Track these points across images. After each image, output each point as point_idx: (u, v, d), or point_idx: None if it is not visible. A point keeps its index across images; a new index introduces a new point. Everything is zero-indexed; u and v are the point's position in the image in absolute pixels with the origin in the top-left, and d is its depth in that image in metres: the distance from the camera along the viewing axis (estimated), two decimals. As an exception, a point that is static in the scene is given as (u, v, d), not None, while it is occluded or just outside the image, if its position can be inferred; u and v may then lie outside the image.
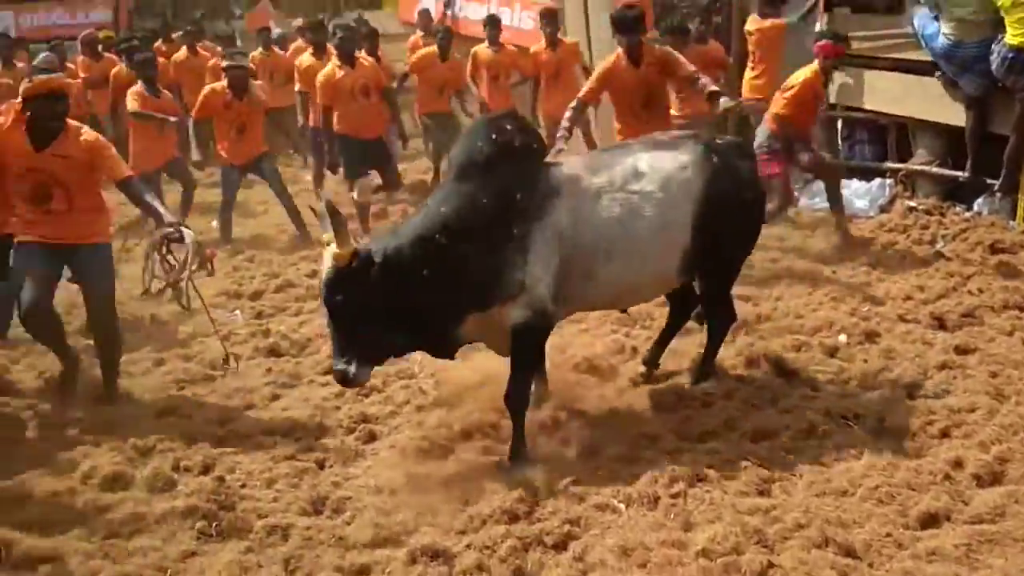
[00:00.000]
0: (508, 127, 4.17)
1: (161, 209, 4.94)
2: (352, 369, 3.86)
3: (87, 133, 4.82)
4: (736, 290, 6.18)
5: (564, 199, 4.18)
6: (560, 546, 3.45)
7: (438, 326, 4.06)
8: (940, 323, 5.72)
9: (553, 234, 4.12)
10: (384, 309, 3.85)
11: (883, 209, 8.32)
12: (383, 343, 4.00)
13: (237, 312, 6.65)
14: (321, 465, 4.27)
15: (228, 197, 8.47)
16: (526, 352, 4.20)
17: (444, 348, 4.22)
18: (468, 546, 3.40)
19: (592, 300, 4.50)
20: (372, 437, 4.53)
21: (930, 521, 3.55)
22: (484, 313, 4.06)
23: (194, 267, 4.86)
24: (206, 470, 4.14)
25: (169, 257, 5.06)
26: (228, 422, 4.74)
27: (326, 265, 3.87)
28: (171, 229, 4.80)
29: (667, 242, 4.37)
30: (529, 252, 4.06)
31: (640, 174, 4.35)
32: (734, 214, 4.53)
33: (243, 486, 3.98)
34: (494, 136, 4.10)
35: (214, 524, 3.59)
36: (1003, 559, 3.20)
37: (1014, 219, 7.32)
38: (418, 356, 5.46)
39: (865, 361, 5.18)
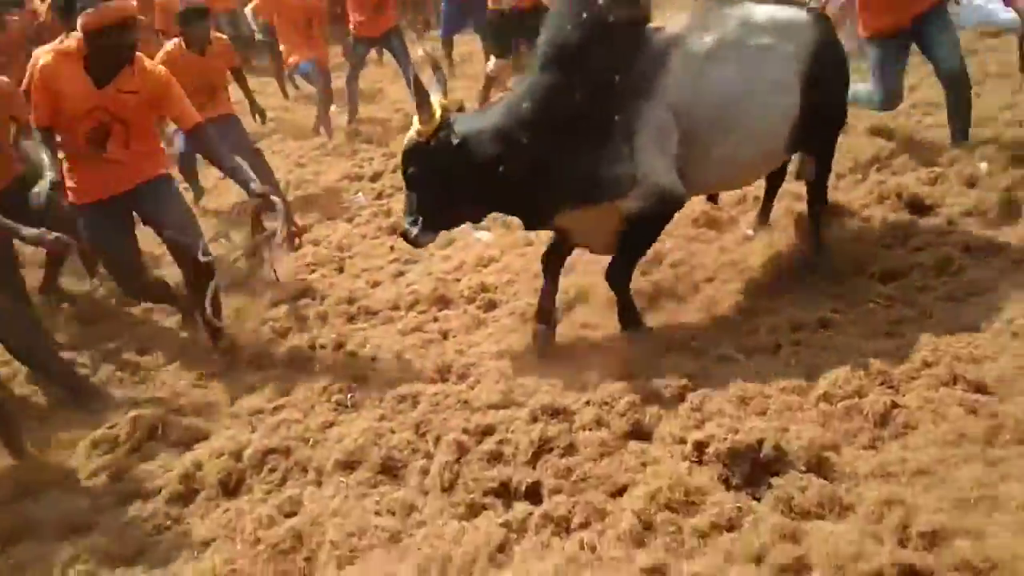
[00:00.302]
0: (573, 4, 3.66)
1: (248, 172, 4.34)
2: (415, 231, 3.84)
3: (154, 67, 4.31)
4: (867, 123, 5.89)
5: (673, 68, 3.73)
6: (678, 398, 3.48)
7: (525, 216, 3.93)
8: (1090, 138, 5.24)
9: (665, 111, 3.71)
10: (457, 188, 3.73)
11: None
12: (453, 215, 3.93)
13: (360, 194, 6.84)
14: (445, 335, 4.44)
15: (355, 69, 8.61)
16: (641, 240, 3.94)
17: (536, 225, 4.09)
18: (587, 403, 3.47)
19: (704, 182, 4.06)
20: (492, 306, 4.65)
21: (1071, 352, 3.37)
22: (589, 208, 3.76)
23: (280, 241, 4.47)
24: (339, 347, 4.38)
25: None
26: (357, 300, 4.96)
27: (408, 133, 3.79)
28: (260, 199, 4.29)
29: (782, 107, 3.94)
30: (638, 138, 3.67)
31: (756, 26, 3.92)
32: (837, 82, 4.23)
33: (374, 359, 4.20)
34: (583, 14, 3.64)
35: (349, 396, 3.83)
36: None
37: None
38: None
39: (1007, 189, 4.83)
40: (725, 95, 3.80)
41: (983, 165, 5.12)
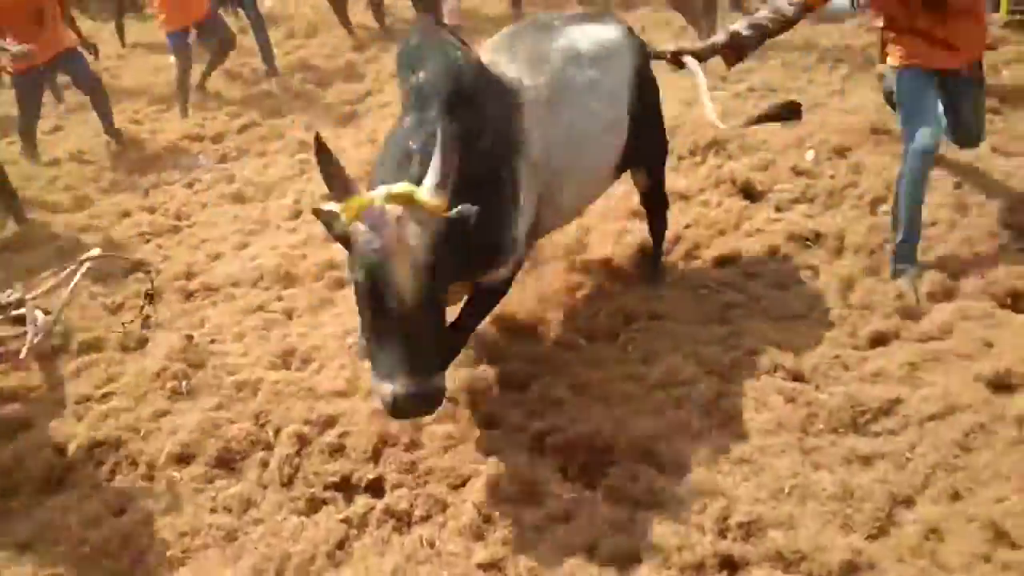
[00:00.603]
0: (449, 46, 3.13)
1: None
2: (439, 381, 2.73)
3: None
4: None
5: (527, 115, 3.30)
6: (523, 386, 3.54)
7: None
8: (911, 132, 5.62)
9: (531, 164, 3.28)
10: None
11: (862, 9, 8.03)
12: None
13: (201, 156, 6.53)
14: (289, 315, 4.31)
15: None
16: (494, 305, 3.47)
17: None
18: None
19: (546, 228, 3.68)
20: (340, 284, 4.53)
21: (879, 341, 3.65)
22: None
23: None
24: (175, 327, 4.19)
25: None
26: (196, 275, 4.76)
27: (411, 226, 2.61)
28: None
29: (615, 143, 3.69)
30: (521, 196, 3.20)
31: (580, 58, 3.55)
32: (655, 94, 3.95)
33: (212, 342, 4.05)
34: (454, 55, 3.10)
35: (184, 383, 3.67)
36: (945, 376, 3.30)
37: (997, 10, 7.03)
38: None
39: (832, 177, 5.13)
40: (568, 143, 3.44)
41: (810, 154, 5.42)
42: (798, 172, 5.23)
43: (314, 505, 3.02)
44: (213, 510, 3.01)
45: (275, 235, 5.21)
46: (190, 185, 6.03)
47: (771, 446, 3.09)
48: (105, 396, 3.65)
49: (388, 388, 2.60)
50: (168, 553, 2.83)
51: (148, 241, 5.24)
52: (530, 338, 3.88)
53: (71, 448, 3.29)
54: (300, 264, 4.77)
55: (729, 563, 2.62)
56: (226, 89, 7.96)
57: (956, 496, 2.77)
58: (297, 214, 5.46)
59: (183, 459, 3.23)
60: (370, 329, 2.72)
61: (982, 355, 3.40)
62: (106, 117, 6.73)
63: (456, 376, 3.59)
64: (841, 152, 5.45)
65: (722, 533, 2.72)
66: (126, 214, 5.61)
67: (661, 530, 2.73)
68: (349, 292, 4.46)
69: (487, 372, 3.62)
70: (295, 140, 6.66)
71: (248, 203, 5.69)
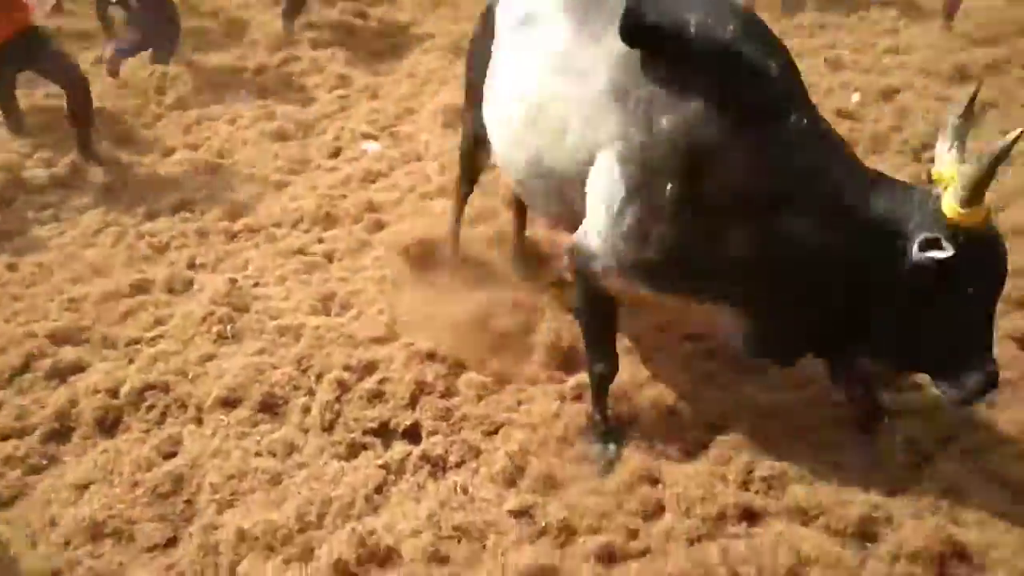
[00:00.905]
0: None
1: None
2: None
3: None
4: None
5: None
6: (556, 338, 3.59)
7: None
8: (962, 75, 5.48)
9: None
10: None
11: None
12: None
13: (244, 92, 6.55)
14: (329, 258, 4.39)
15: None
16: None
17: None
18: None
19: None
20: (378, 226, 4.60)
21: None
22: None
23: None
24: (219, 269, 4.31)
25: None
26: (239, 215, 4.84)
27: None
28: None
29: None
30: None
31: None
32: None
33: (255, 285, 4.15)
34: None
35: (229, 327, 3.78)
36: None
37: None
38: (425, 138, 5.46)
39: (876, 121, 5.06)
40: None
41: (855, 96, 5.32)
42: (843, 115, 5.14)
43: (354, 450, 3.14)
44: (258, 454, 3.14)
45: (315, 175, 5.26)
46: (232, 121, 6.06)
47: (800, 399, 3.14)
48: (154, 339, 3.77)
49: (983, 374, 2.54)
50: (217, 496, 2.97)
51: (192, 178, 5.30)
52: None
53: (123, 391, 3.42)
54: (340, 205, 4.83)
55: (749, 514, 2.71)
56: (269, 19, 7.89)
57: (967, 453, 2.85)
58: (336, 152, 5.51)
59: (229, 403, 3.35)
60: (984, 325, 2.59)
61: None
62: (171, 52, 6.87)
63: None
64: (888, 95, 5.35)
65: (745, 485, 2.80)
66: (169, 152, 5.68)
67: (686, 481, 2.82)
68: (387, 235, 4.51)
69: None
70: (334, 74, 6.65)
71: (288, 141, 5.72)
